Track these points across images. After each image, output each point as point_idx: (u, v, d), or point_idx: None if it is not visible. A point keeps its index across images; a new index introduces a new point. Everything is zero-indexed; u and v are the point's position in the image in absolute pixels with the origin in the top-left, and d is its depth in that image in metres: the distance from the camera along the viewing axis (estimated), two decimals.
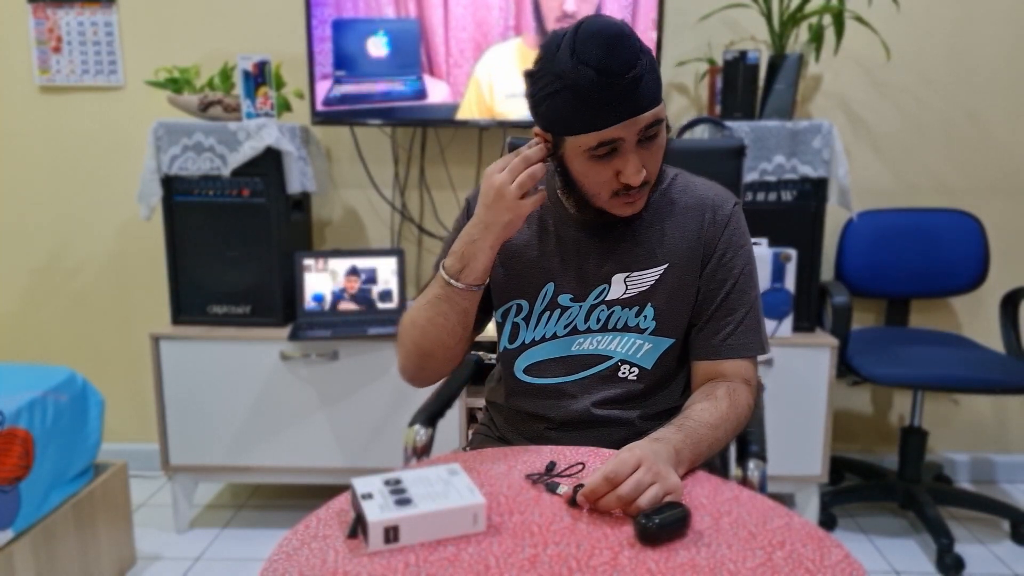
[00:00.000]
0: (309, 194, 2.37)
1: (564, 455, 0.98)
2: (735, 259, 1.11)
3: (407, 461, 1.27)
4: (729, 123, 2.06)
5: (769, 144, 2.06)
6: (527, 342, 1.15)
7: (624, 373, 1.12)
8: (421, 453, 1.28)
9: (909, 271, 2.37)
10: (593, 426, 1.12)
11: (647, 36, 2.14)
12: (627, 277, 1.11)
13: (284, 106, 2.25)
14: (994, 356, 2.12)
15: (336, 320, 2.18)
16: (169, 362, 2.11)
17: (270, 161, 2.09)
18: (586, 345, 1.13)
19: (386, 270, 2.22)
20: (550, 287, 1.13)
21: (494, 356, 1.24)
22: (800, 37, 2.25)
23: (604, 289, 1.11)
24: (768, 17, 2.16)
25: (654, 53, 2.12)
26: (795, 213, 2.10)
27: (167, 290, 2.17)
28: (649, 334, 1.11)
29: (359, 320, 2.18)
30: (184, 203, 2.12)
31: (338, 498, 0.88)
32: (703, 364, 1.12)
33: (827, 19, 2.15)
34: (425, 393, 1.40)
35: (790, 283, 2.06)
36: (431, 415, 1.34)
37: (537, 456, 0.98)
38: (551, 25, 2.14)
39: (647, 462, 0.84)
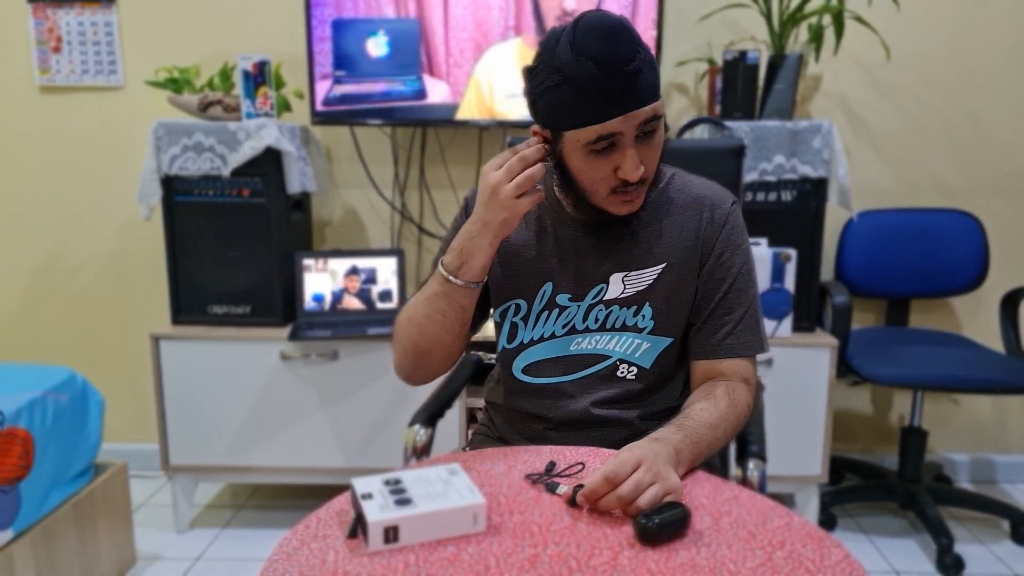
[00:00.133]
0: (309, 194, 2.37)
1: (564, 455, 0.98)
2: (733, 258, 1.11)
3: (407, 461, 1.27)
4: (729, 123, 2.06)
5: (769, 144, 2.06)
6: (525, 342, 1.15)
7: (623, 373, 1.12)
8: (421, 453, 1.28)
9: (909, 271, 2.37)
10: (592, 426, 1.12)
11: (647, 36, 2.14)
12: (625, 276, 1.11)
13: (284, 106, 2.25)
14: (994, 356, 2.12)
15: (336, 320, 2.18)
16: (169, 362, 2.11)
17: (270, 161, 2.10)
18: (584, 345, 1.13)
19: (386, 270, 2.22)
20: (548, 287, 1.13)
21: (494, 356, 1.24)
22: (800, 37, 2.25)
23: (602, 288, 1.11)
24: (768, 17, 2.16)
25: (653, 53, 2.12)
26: (795, 213, 2.10)
27: (167, 290, 2.17)
28: (647, 333, 1.11)
29: (359, 320, 2.18)
30: (184, 203, 2.12)
31: (338, 498, 0.88)
32: (702, 363, 1.12)
33: (827, 19, 2.15)
34: (425, 393, 1.40)
35: (790, 283, 2.06)
36: (431, 415, 1.34)
37: (537, 456, 0.98)
38: (551, 24, 2.14)
39: (647, 462, 0.84)
